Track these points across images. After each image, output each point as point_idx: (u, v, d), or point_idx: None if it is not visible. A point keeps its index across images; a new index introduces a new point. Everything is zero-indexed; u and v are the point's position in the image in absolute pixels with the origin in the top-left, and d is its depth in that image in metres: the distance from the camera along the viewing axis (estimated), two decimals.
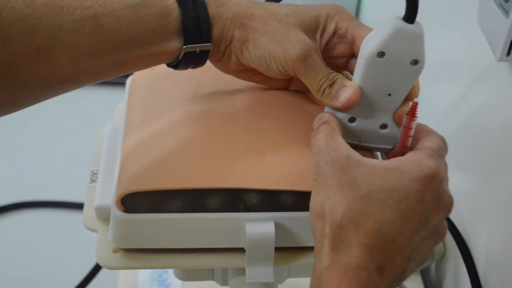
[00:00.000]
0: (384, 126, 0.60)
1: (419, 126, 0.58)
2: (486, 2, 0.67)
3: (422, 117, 1.02)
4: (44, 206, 1.09)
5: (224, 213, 0.59)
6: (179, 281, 0.90)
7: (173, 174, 0.59)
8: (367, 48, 0.56)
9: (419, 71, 0.57)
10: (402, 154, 0.55)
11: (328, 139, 0.55)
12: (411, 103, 0.58)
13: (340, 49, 0.63)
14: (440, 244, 0.91)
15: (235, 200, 0.59)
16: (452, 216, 0.87)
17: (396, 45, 0.55)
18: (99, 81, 0.59)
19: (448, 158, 0.93)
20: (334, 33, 0.62)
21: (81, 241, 0.87)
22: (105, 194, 0.63)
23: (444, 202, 0.53)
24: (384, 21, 0.56)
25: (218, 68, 0.65)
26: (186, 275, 0.68)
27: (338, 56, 0.64)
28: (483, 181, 0.83)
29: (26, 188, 1.11)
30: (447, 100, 0.94)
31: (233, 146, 0.61)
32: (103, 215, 0.63)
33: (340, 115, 0.60)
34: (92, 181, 0.67)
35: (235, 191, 0.58)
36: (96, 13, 0.55)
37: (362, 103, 0.59)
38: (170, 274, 0.92)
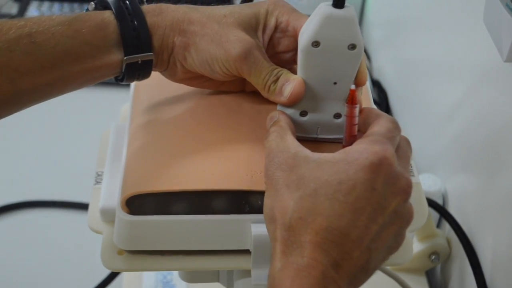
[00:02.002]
0: (337, 116, 0.59)
1: (368, 110, 0.57)
2: (493, 2, 0.67)
3: (429, 117, 1.02)
4: (48, 206, 1.09)
5: (230, 215, 0.58)
6: (183, 283, 0.90)
7: (178, 175, 0.59)
8: (301, 40, 0.55)
9: (359, 55, 0.56)
10: (351, 144, 0.54)
11: (277, 140, 0.54)
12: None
13: (285, 43, 0.62)
14: (446, 245, 0.90)
15: (240, 202, 0.58)
16: (457, 217, 0.87)
17: (329, 33, 0.54)
18: (45, 100, 0.59)
19: (454, 159, 0.93)
20: (276, 28, 0.62)
21: (85, 242, 0.87)
22: (110, 195, 0.63)
23: (399, 185, 0.51)
24: (315, 9, 0.55)
25: (168, 78, 0.64)
26: (191, 277, 0.68)
27: (284, 51, 0.63)
28: (488, 182, 0.82)
29: (31, 188, 1.11)
30: (453, 100, 0.94)
31: (239, 148, 0.61)
32: (108, 216, 0.62)
33: (290, 111, 0.59)
34: (97, 182, 0.67)
35: (241, 193, 0.58)
36: (30, 31, 0.56)
37: (309, 95, 0.58)
38: (174, 276, 0.92)
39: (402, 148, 0.55)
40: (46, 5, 1.43)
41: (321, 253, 0.49)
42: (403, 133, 0.74)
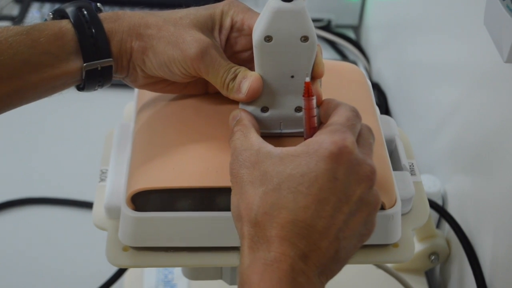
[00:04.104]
0: (298, 109, 0.60)
1: (328, 101, 0.58)
2: (493, 4, 0.68)
3: (429, 118, 1.03)
4: (52, 203, 1.10)
5: None
6: (185, 282, 0.90)
7: (183, 172, 0.59)
8: (254, 36, 0.57)
9: (312, 47, 0.57)
10: (312, 136, 0.54)
11: (241, 139, 0.55)
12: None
13: (242, 42, 0.63)
14: (445, 245, 0.91)
15: None
16: (457, 217, 0.87)
17: (279, 27, 0.55)
18: (5, 111, 0.59)
19: (453, 160, 0.93)
20: (232, 27, 0.62)
21: (89, 240, 0.87)
22: (114, 193, 0.63)
23: (362, 173, 0.52)
24: (266, 5, 0.56)
25: (130, 85, 0.65)
26: (194, 274, 0.69)
27: (242, 50, 0.64)
28: (488, 182, 0.83)
29: (35, 185, 1.12)
30: (453, 101, 0.95)
31: None
32: (112, 213, 0.63)
33: (251, 108, 0.60)
34: (102, 180, 0.67)
35: None
36: None
37: (268, 91, 0.59)
38: (175, 275, 0.92)
39: (364, 135, 0.56)
40: (47, 6, 1.43)
41: (288, 246, 0.49)
42: (404, 134, 0.75)
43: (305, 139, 0.56)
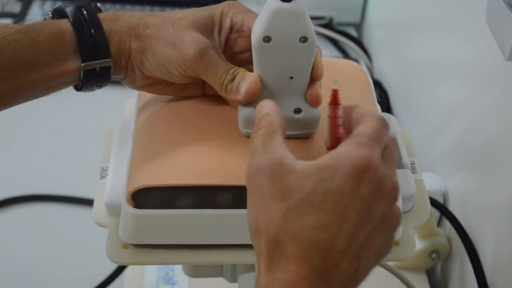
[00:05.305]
0: (298, 111, 0.59)
1: (355, 108, 0.54)
2: (495, 2, 0.67)
3: (430, 117, 1.03)
4: (53, 200, 1.10)
5: (234, 210, 0.59)
6: (185, 279, 0.90)
7: (184, 170, 0.59)
8: (253, 36, 0.56)
9: (311, 48, 0.56)
10: (335, 145, 0.51)
11: (265, 140, 0.51)
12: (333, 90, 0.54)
13: (241, 43, 0.63)
14: (446, 243, 0.91)
15: (245, 196, 0.59)
16: (458, 216, 0.87)
17: (278, 27, 0.55)
18: (2, 110, 0.59)
19: (455, 158, 0.93)
20: (231, 28, 0.62)
21: (89, 237, 0.87)
22: (115, 190, 0.63)
23: (386, 190, 0.49)
24: (265, 5, 0.56)
25: (129, 86, 0.64)
26: (195, 271, 0.69)
27: (241, 51, 0.63)
28: (489, 181, 0.83)
29: (36, 182, 1.12)
30: (454, 100, 0.95)
31: (244, 143, 0.61)
32: (113, 211, 0.63)
33: (250, 109, 0.59)
34: (102, 177, 0.67)
35: (245, 188, 0.58)
36: None
37: (266, 92, 0.59)
38: (176, 272, 0.92)
39: (389, 148, 0.53)
40: (48, 4, 1.43)
41: (308, 268, 0.47)
42: (405, 132, 0.75)
43: (328, 149, 0.53)
